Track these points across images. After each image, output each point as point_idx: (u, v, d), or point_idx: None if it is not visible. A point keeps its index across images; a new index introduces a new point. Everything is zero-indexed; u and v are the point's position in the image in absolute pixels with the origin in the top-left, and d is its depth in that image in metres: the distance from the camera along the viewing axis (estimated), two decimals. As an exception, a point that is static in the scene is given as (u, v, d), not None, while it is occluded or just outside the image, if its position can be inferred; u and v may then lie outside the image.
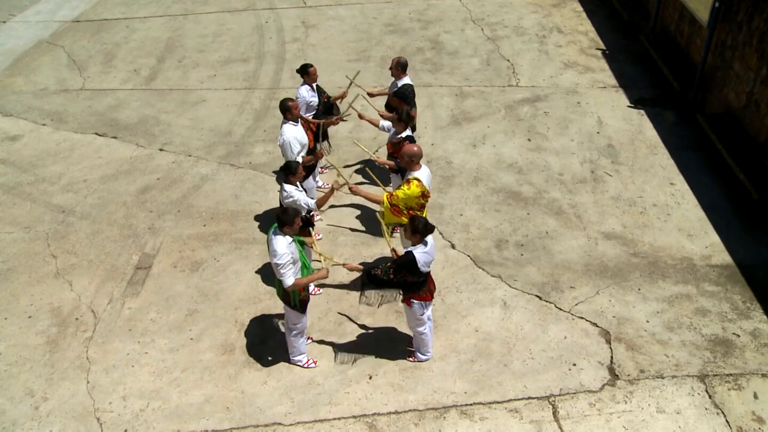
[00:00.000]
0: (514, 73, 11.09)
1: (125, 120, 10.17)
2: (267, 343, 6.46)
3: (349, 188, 6.45)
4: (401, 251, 5.87)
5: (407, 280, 5.58)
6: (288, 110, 6.96)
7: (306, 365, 6.21)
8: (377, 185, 6.97)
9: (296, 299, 5.74)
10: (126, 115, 10.31)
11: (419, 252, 5.48)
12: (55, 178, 8.92)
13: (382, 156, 7.55)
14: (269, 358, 6.29)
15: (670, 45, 10.76)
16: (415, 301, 5.73)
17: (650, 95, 10.29)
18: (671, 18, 10.91)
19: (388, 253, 7.14)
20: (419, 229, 5.45)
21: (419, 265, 5.47)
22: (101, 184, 8.77)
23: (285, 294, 5.73)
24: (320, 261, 5.85)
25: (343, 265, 5.78)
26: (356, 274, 6.67)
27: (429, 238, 5.56)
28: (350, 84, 7.93)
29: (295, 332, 6.01)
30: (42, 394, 6.03)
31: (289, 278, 5.51)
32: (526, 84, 10.76)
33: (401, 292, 5.75)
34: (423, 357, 6.23)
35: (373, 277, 5.65)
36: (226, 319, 6.74)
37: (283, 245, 5.46)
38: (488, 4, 13.67)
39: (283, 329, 6.37)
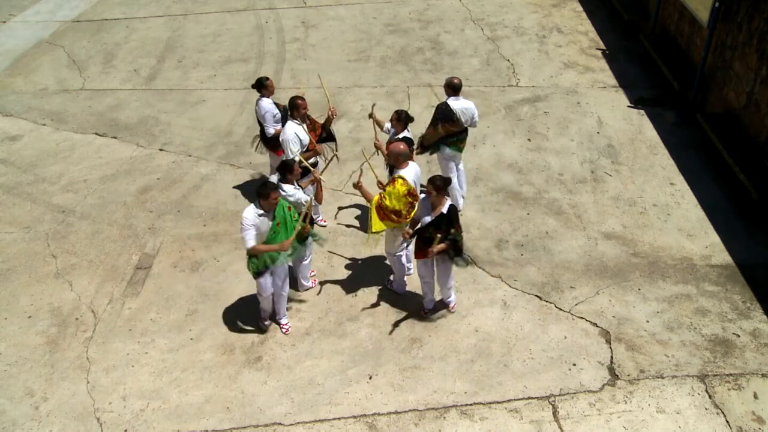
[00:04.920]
0: (514, 73, 11.10)
1: (125, 120, 10.17)
2: (267, 343, 6.46)
3: (354, 183, 6.50)
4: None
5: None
6: (295, 108, 7.01)
7: (262, 325, 6.58)
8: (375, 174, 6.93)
9: (252, 266, 6.08)
10: (126, 115, 10.31)
11: (452, 202, 6.06)
12: (55, 178, 8.92)
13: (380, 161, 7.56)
14: (269, 358, 6.29)
15: (670, 45, 10.76)
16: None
17: (650, 95, 10.29)
18: (671, 18, 10.91)
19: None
20: (440, 186, 5.87)
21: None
22: (101, 184, 8.77)
23: (248, 260, 6.11)
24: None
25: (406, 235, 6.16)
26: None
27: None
28: (329, 103, 7.56)
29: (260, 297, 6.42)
30: (42, 394, 6.03)
31: (249, 241, 5.84)
32: (526, 84, 10.76)
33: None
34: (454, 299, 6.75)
35: (457, 247, 6.11)
36: (226, 319, 6.74)
37: (252, 214, 5.80)
38: (488, 4, 13.67)
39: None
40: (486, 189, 8.43)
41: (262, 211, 5.82)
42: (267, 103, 7.58)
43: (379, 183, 6.50)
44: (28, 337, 6.61)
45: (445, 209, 5.95)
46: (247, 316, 6.76)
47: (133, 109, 10.47)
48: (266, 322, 6.60)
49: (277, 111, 7.65)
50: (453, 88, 7.54)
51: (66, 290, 7.13)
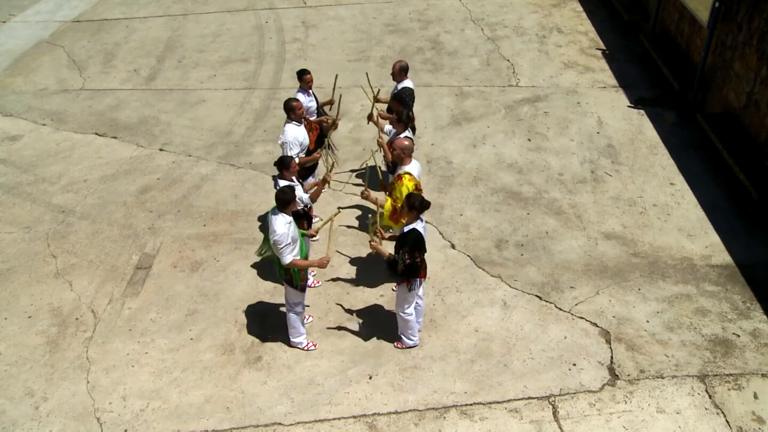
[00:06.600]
0: (514, 73, 11.10)
1: (125, 120, 10.17)
2: (267, 343, 6.46)
3: (362, 193, 6.51)
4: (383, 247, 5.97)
5: (416, 260, 5.67)
6: (292, 110, 7.01)
7: (306, 348, 6.32)
8: (379, 179, 6.98)
9: (298, 279, 5.86)
10: (126, 115, 10.31)
11: (420, 227, 5.65)
12: (55, 178, 8.92)
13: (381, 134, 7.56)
14: (269, 358, 6.29)
15: (670, 45, 10.76)
16: (414, 279, 5.83)
17: (650, 95, 10.29)
18: (671, 18, 10.91)
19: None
20: (415, 206, 5.59)
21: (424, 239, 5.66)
22: (101, 184, 8.77)
23: (287, 273, 5.84)
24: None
25: (371, 243, 5.93)
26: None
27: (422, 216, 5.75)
28: (334, 87, 8.10)
29: (294, 312, 6.14)
30: (42, 394, 6.03)
31: (287, 256, 5.64)
32: (526, 84, 10.76)
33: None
34: (410, 342, 6.28)
35: (394, 267, 5.75)
36: (226, 319, 6.74)
37: (282, 224, 5.58)
38: (488, 4, 13.67)
39: (284, 313, 6.42)
40: (486, 189, 8.43)
41: (289, 218, 5.67)
42: (302, 96, 7.68)
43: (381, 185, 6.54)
44: (28, 337, 6.61)
45: (406, 228, 5.66)
46: (247, 316, 6.76)
47: (133, 109, 10.47)
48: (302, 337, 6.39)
49: (312, 103, 7.81)
50: (406, 71, 7.75)
51: (66, 290, 7.13)
